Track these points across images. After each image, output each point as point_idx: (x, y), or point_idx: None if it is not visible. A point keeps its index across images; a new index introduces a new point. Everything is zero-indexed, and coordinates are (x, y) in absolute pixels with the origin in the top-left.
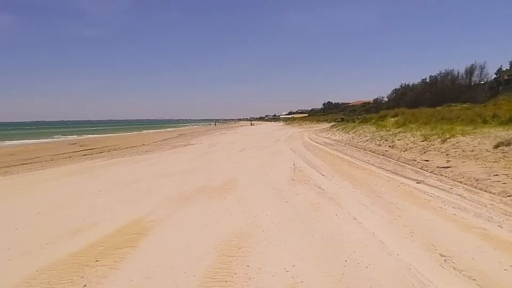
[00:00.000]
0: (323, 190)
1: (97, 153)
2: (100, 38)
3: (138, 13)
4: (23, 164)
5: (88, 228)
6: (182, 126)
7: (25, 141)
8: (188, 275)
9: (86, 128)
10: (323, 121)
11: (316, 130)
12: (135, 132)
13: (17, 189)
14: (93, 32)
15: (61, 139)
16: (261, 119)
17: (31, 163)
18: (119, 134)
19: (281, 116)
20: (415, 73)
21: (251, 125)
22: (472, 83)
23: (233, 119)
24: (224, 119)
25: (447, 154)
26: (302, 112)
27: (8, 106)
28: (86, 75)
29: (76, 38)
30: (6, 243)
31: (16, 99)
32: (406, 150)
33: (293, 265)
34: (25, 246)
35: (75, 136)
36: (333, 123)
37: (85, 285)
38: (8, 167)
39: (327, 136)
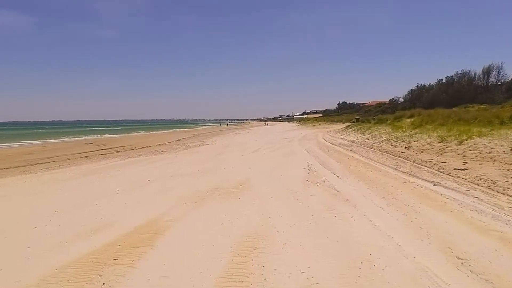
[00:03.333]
0: (338, 191)
1: (113, 153)
2: (116, 39)
3: (153, 14)
4: (41, 163)
5: (105, 227)
6: (196, 126)
7: (42, 141)
8: (204, 274)
9: (102, 128)
10: (337, 121)
11: (330, 130)
12: (150, 132)
13: (36, 188)
14: (110, 33)
15: (77, 138)
16: (274, 119)
17: (49, 162)
18: (135, 134)
19: (295, 117)
20: (431, 73)
21: (265, 125)
22: (489, 84)
23: (247, 119)
24: (238, 119)
25: (464, 156)
26: (316, 113)
27: (26, 105)
28: (102, 76)
29: (93, 39)
30: (26, 241)
31: (34, 99)
32: (422, 152)
33: (309, 267)
34: (44, 244)
35: (92, 135)
36: (348, 124)
37: (103, 284)
38: (26, 166)
39: (342, 136)
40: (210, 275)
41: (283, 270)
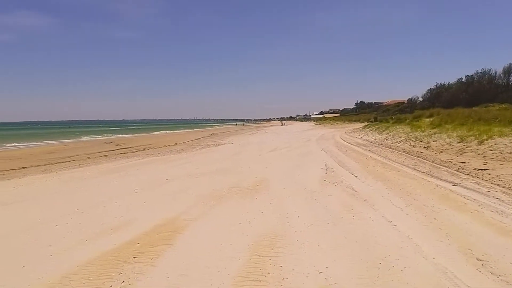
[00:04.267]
0: (356, 191)
1: (132, 152)
2: (136, 40)
3: (172, 15)
4: (62, 162)
5: (125, 226)
6: (213, 125)
7: (63, 140)
8: (223, 273)
9: (121, 128)
10: (355, 121)
11: (348, 130)
12: (168, 132)
13: (57, 186)
14: (129, 34)
15: (97, 138)
16: (291, 119)
17: (69, 161)
18: (153, 133)
19: (312, 116)
20: (451, 72)
21: (282, 125)
22: (511, 83)
23: (263, 119)
24: (255, 119)
25: (484, 156)
26: (333, 112)
27: (47, 105)
28: (120, 76)
29: (112, 39)
30: (48, 239)
31: (55, 99)
32: (441, 152)
33: (327, 267)
34: (66, 242)
35: (111, 135)
36: (366, 123)
37: (123, 281)
38: (47, 165)
39: (360, 136)
40: (228, 274)
41: (301, 270)
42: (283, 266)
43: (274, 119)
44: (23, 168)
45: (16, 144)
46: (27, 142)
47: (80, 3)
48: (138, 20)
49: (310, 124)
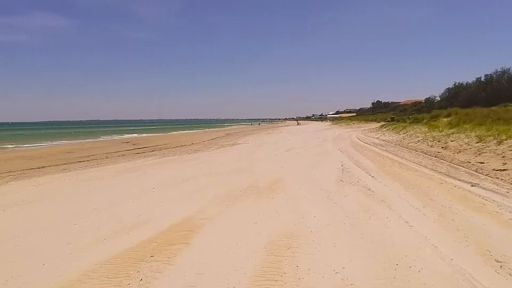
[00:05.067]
0: (372, 192)
1: (149, 152)
2: (152, 40)
3: (187, 16)
4: (80, 161)
5: (142, 225)
6: (229, 125)
7: (81, 140)
8: (239, 272)
9: (138, 127)
10: (371, 120)
11: (364, 130)
12: (184, 131)
13: (75, 185)
14: (145, 34)
15: (114, 137)
16: (307, 118)
17: (87, 160)
18: (169, 133)
19: (328, 116)
20: (469, 71)
21: (297, 124)
22: None
23: (279, 119)
24: (270, 119)
25: (503, 156)
26: (349, 112)
27: (65, 105)
28: (137, 76)
29: (129, 40)
30: (67, 237)
31: (72, 99)
32: (460, 152)
33: (343, 267)
34: (84, 240)
35: (128, 134)
36: (383, 123)
37: (141, 279)
38: (66, 164)
39: (376, 136)
40: (245, 273)
41: (317, 270)
42: (299, 266)
43: (289, 119)
44: (43, 167)
45: (36, 144)
46: (46, 142)
47: (97, 4)
48: (154, 21)
49: (326, 124)
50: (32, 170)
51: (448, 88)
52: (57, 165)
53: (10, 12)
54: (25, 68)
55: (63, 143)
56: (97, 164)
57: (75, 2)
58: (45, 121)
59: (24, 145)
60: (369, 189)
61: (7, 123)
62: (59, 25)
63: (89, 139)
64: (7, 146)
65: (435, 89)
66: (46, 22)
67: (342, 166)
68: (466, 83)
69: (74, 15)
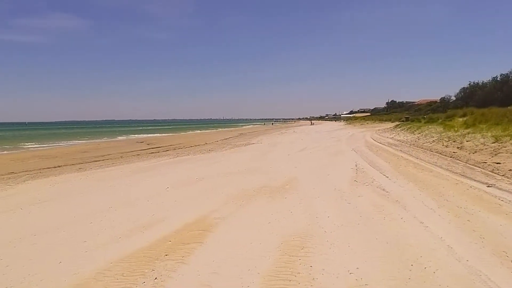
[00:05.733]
0: (387, 192)
1: (163, 151)
2: (167, 41)
3: (204, 16)
4: (95, 161)
5: (157, 224)
6: (242, 125)
7: (96, 140)
8: (253, 272)
9: (153, 127)
10: (386, 120)
11: (379, 130)
12: (198, 131)
13: (91, 184)
14: (161, 35)
15: (129, 137)
16: (321, 118)
17: (103, 160)
18: (183, 133)
19: (341, 116)
20: (485, 71)
21: (311, 124)
22: None
23: (292, 119)
24: (284, 119)
25: None
26: (364, 111)
27: (80, 106)
28: (152, 76)
29: (145, 40)
30: (83, 236)
31: (88, 100)
32: (475, 152)
33: (357, 268)
34: (100, 239)
35: (142, 134)
36: (397, 123)
37: (156, 278)
38: (81, 163)
39: (391, 136)
40: (258, 273)
41: (331, 270)
42: (313, 266)
43: (303, 119)
44: (59, 166)
45: (52, 143)
46: (62, 142)
47: (115, 5)
48: (170, 21)
49: (340, 123)
50: (49, 169)
51: (464, 88)
52: (73, 164)
53: (28, 13)
54: (42, 69)
55: (79, 142)
56: (112, 163)
57: (92, 2)
58: (61, 121)
59: (41, 145)
60: (383, 190)
61: (24, 123)
62: (75, 26)
63: (104, 138)
64: (24, 145)
65: (450, 89)
66: (63, 23)
67: (356, 166)
68: (482, 83)
69: (91, 16)
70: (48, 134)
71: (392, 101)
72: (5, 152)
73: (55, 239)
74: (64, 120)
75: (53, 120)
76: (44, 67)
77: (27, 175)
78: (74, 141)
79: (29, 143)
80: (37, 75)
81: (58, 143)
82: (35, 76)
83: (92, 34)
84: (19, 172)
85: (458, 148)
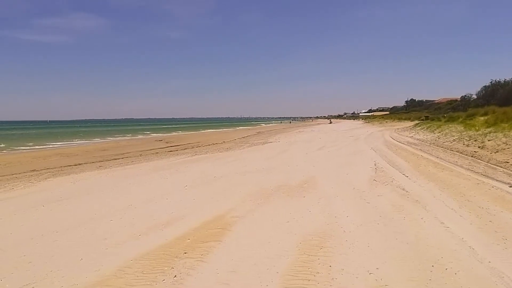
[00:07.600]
0: (407, 192)
1: (181, 150)
2: (185, 40)
3: (220, 15)
4: (115, 159)
5: (176, 222)
6: (260, 124)
7: (115, 138)
8: (271, 271)
9: (171, 126)
10: (405, 119)
11: (398, 128)
12: (216, 130)
13: (111, 182)
14: (179, 33)
15: (148, 135)
16: (339, 117)
17: (122, 158)
18: (201, 131)
19: (360, 114)
20: (507, 69)
21: (330, 123)
22: None
23: (310, 117)
24: (302, 117)
25: None
26: (382, 110)
27: (101, 105)
28: (170, 75)
29: (162, 39)
30: (103, 233)
31: (108, 98)
32: (497, 151)
33: (377, 268)
34: (120, 236)
35: (161, 133)
36: (417, 122)
37: (175, 276)
38: (101, 161)
39: (410, 135)
40: (277, 272)
41: (351, 270)
42: (332, 266)
43: (321, 117)
44: (79, 164)
45: (73, 141)
46: (83, 140)
47: (134, 5)
48: (188, 20)
49: (358, 122)
50: (69, 167)
51: (485, 86)
52: (93, 162)
53: (51, 13)
54: (63, 68)
55: (99, 141)
56: (132, 161)
57: (113, 2)
58: (81, 119)
59: (62, 143)
60: (403, 189)
61: (45, 121)
62: (96, 25)
63: (124, 136)
64: (46, 143)
65: (471, 87)
66: (84, 22)
67: (375, 165)
68: (504, 81)
69: (111, 15)
70: (69, 132)
71: (412, 99)
72: (28, 149)
73: (76, 236)
74: (84, 118)
75: (74, 119)
76: (65, 66)
77: (49, 173)
78: (94, 139)
79: (50, 141)
80: (59, 74)
81: (79, 141)
82: (57, 75)
83: (112, 33)
84: (41, 170)
85: (479, 147)
